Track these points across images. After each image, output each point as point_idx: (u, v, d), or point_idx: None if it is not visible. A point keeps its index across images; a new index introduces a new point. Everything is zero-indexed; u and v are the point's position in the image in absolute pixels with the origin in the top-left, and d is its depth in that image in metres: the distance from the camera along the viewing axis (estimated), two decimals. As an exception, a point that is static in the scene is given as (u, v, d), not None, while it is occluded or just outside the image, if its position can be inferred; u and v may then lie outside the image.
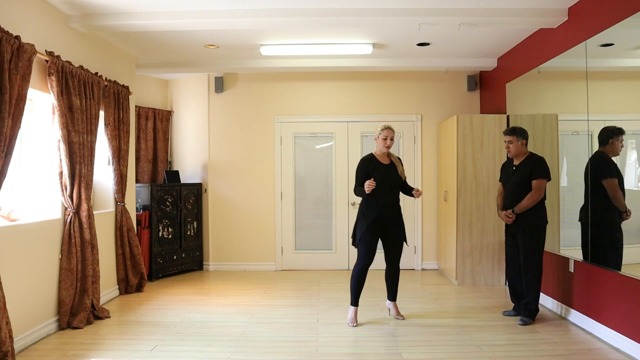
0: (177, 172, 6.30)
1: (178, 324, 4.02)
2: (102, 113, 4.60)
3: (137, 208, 5.65)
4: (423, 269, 6.30)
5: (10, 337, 3.04)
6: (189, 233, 6.15)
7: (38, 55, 3.51)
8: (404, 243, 4.14)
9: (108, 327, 3.98)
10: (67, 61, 3.90)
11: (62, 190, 3.93)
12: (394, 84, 6.34)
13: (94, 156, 4.26)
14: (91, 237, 4.14)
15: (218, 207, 6.35)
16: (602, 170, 3.61)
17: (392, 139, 3.99)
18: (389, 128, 3.98)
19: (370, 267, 3.80)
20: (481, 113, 6.24)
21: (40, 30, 3.71)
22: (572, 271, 4.04)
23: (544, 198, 3.95)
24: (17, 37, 3.18)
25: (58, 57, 3.78)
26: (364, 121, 6.32)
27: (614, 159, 3.53)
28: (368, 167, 3.98)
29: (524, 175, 3.95)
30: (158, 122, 6.44)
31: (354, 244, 4.06)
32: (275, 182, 6.35)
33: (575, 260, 4.00)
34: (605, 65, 3.76)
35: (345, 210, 6.33)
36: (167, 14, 4.16)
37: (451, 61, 5.80)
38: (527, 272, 3.95)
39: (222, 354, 3.35)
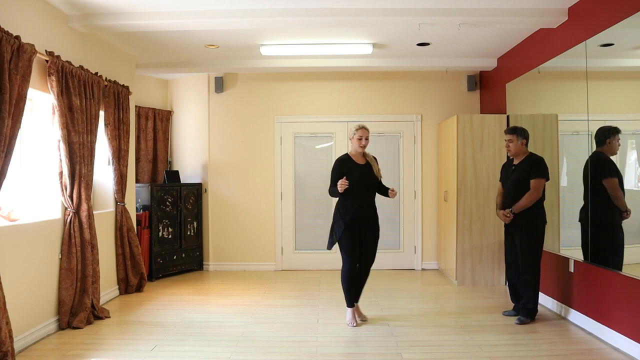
0: (177, 172, 6.31)
1: (178, 324, 4.02)
2: (102, 113, 4.60)
3: (137, 208, 5.65)
4: (423, 269, 6.30)
5: (10, 337, 3.05)
6: (189, 233, 6.15)
7: (38, 55, 3.51)
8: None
9: (108, 327, 3.98)
10: (67, 61, 3.90)
11: (62, 190, 3.93)
12: (394, 84, 6.34)
13: (94, 156, 4.26)
14: (91, 237, 4.14)
15: (218, 207, 6.35)
16: (602, 171, 3.61)
17: (367, 139, 3.98)
18: (363, 128, 3.98)
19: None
20: (481, 113, 6.24)
21: (40, 30, 3.71)
22: (572, 271, 4.04)
23: (543, 198, 3.95)
24: (17, 37, 3.19)
25: (58, 57, 3.78)
26: (364, 121, 6.26)
27: (612, 158, 3.53)
28: (343, 167, 3.95)
29: (523, 175, 3.95)
30: (158, 122, 6.44)
31: (329, 247, 4.07)
32: (275, 182, 6.35)
33: (575, 260, 4.00)
34: (605, 65, 3.76)
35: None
36: (167, 14, 4.16)
37: (451, 61, 5.80)
38: (524, 272, 3.96)
39: (222, 354, 3.35)
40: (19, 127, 3.22)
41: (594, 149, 3.72)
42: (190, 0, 3.96)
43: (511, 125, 4.92)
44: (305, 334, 3.78)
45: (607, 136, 3.54)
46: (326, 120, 6.34)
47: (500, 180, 4.31)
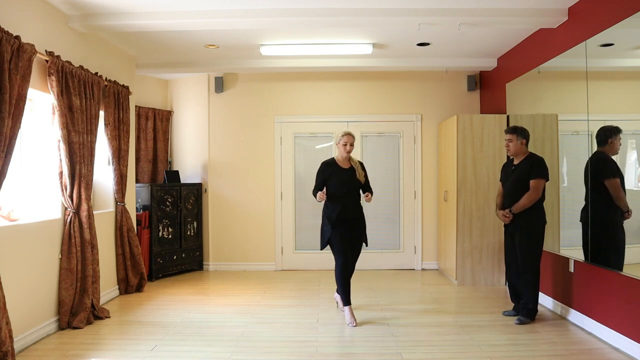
0: (177, 172, 6.31)
1: (178, 324, 4.03)
2: (102, 113, 4.60)
3: (137, 208, 5.65)
4: (423, 269, 6.30)
5: (10, 337, 3.05)
6: (189, 233, 6.15)
7: (38, 55, 3.50)
8: (364, 244, 4.31)
9: (108, 327, 3.98)
10: (67, 61, 3.90)
11: (62, 190, 3.93)
12: (394, 84, 6.34)
13: (94, 156, 4.26)
14: (91, 237, 4.14)
15: (218, 207, 6.35)
16: (603, 171, 3.61)
17: (352, 145, 4.18)
18: (349, 134, 4.18)
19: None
20: (481, 113, 6.24)
21: (40, 30, 3.71)
22: (572, 271, 4.04)
23: (543, 198, 3.95)
24: (17, 37, 3.18)
25: (58, 57, 3.78)
26: (364, 121, 6.32)
27: (613, 158, 3.53)
28: (326, 171, 4.20)
29: (523, 175, 3.95)
30: (158, 122, 6.44)
31: (321, 247, 4.26)
32: (275, 182, 6.35)
33: (575, 260, 4.00)
34: (605, 65, 3.76)
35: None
36: (167, 14, 4.16)
37: (451, 61, 5.80)
38: (524, 272, 3.96)
39: (222, 354, 3.35)
40: (19, 127, 3.22)
41: (594, 149, 3.71)
42: (190, 0, 3.96)
43: (511, 125, 4.92)
44: (305, 334, 3.78)
45: (609, 136, 3.54)
46: (326, 120, 6.33)
47: (500, 180, 4.31)
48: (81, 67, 4.15)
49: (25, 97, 3.26)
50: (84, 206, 4.09)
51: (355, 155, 6.25)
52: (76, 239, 4.01)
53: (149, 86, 6.42)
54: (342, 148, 4.20)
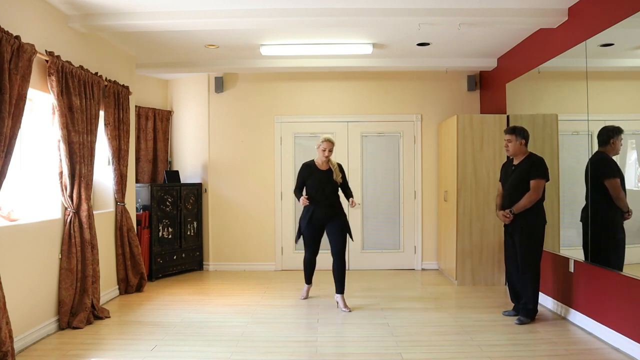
0: (177, 172, 6.31)
1: (178, 324, 4.02)
2: (102, 113, 4.60)
3: (137, 208, 5.65)
4: (423, 269, 6.30)
5: (10, 337, 3.05)
6: (189, 233, 6.15)
7: (38, 55, 3.50)
8: (349, 238, 4.60)
9: (108, 327, 3.98)
10: (67, 61, 3.90)
11: (62, 190, 3.93)
12: (394, 84, 6.34)
13: (94, 156, 4.26)
14: (91, 237, 4.14)
15: (218, 207, 6.35)
16: (604, 171, 3.61)
17: (330, 151, 4.48)
18: (328, 140, 4.46)
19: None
20: (481, 113, 6.24)
21: (40, 30, 3.71)
22: (572, 271, 4.04)
23: (543, 198, 3.95)
24: (17, 37, 3.18)
25: (58, 57, 3.78)
26: (364, 121, 6.32)
27: (614, 158, 3.53)
28: (304, 172, 4.56)
29: (523, 175, 3.95)
30: (158, 122, 6.44)
31: (295, 240, 4.75)
32: (275, 182, 6.34)
33: (575, 260, 4.00)
34: (605, 65, 3.76)
35: (344, 210, 6.30)
36: (167, 14, 4.16)
37: (451, 61, 5.80)
38: (524, 272, 3.95)
39: (222, 354, 3.35)
40: (19, 127, 3.22)
41: (595, 149, 3.71)
42: (190, 0, 3.96)
43: (511, 125, 4.92)
44: (305, 334, 3.78)
45: (611, 136, 3.53)
46: (326, 120, 6.33)
47: (500, 181, 4.30)
48: (81, 67, 4.15)
49: (25, 97, 3.26)
50: (84, 206, 4.09)
51: (356, 155, 6.28)
52: (76, 239, 4.01)
53: (149, 86, 6.42)
54: (321, 153, 4.48)
